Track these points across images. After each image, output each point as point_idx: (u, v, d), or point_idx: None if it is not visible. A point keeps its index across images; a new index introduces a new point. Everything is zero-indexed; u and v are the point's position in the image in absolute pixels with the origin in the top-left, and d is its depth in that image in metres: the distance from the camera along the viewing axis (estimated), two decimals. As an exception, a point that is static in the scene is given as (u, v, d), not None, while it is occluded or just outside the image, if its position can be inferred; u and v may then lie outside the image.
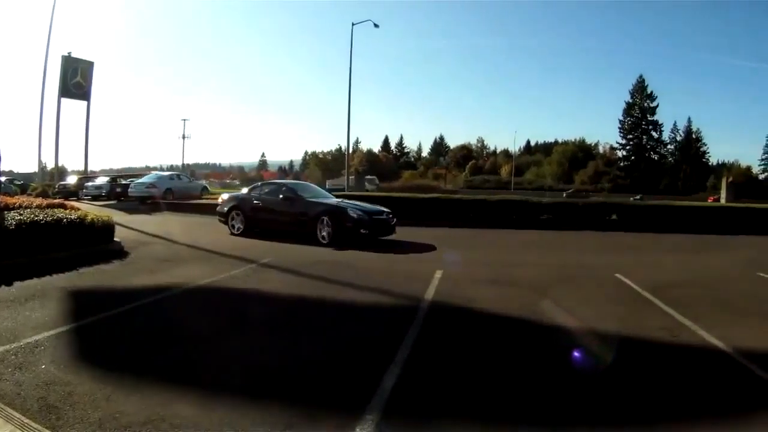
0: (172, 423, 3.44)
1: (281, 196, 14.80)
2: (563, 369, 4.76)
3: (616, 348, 5.21)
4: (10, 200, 11.46)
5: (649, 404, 3.99)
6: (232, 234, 14.84)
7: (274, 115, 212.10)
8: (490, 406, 3.88)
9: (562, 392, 4.20)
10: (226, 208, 15.71)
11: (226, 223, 15.53)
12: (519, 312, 6.74)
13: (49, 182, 35.70)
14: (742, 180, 68.89)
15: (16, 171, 59.52)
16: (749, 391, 4.30)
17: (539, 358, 5.05)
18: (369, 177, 78.02)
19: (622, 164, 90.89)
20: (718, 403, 4.05)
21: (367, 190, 57.46)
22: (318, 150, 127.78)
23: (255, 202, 15.18)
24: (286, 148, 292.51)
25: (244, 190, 17.30)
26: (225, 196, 17.05)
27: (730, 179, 56.81)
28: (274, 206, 14.70)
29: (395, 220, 14.32)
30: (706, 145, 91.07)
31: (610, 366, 4.81)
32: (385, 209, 14.47)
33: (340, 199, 15.40)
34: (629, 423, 3.74)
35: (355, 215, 13.25)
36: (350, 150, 60.04)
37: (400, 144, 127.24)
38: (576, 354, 5.09)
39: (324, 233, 13.20)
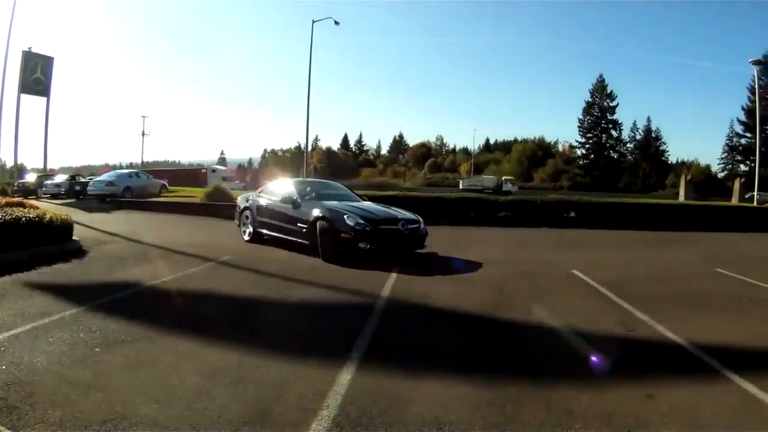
0: (131, 421, 3.48)
1: (280, 196, 12.32)
2: (518, 359, 4.96)
3: (568, 341, 5.45)
4: (-33, 199, 11.19)
5: (600, 387, 4.21)
6: (245, 241, 12.99)
7: (233, 113, 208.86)
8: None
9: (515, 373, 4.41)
10: (239, 209, 13.77)
11: (239, 227, 13.61)
12: (473, 308, 6.88)
13: (8, 180, 34.70)
14: (702, 178, 70.87)
15: (-26, 170, 57.54)
16: (700, 378, 4.57)
17: (493, 351, 5.20)
18: (508, 177, 74.47)
19: (581, 162, 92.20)
20: (670, 389, 4.23)
21: (510, 192, 55.00)
22: (277, 147, 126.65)
23: (261, 202, 12.81)
24: (245, 146, 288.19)
25: (271, 185, 13.98)
26: (257, 196, 13.43)
27: (689, 177, 58.33)
28: (276, 208, 12.14)
29: (423, 229, 11.17)
30: (665, 144, 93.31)
31: (561, 356, 5.05)
32: (405, 216, 11.13)
33: (352, 202, 12.02)
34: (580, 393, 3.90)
35: (352, 223, 10.14)
36: (309, 148, 59.48)
37: (359, 142, 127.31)
38: (530, 345, 5.36)
39: (320, 244, 10.55)
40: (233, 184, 56.97)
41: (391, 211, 11.41)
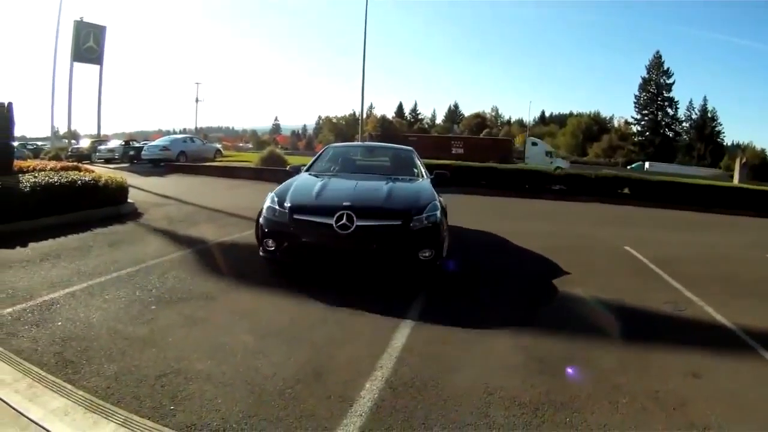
0: (186, 377, 3.52)
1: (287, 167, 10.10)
2: (567, 332, 4.89)
3: (618, 316, 5.40)
4: (23, 164, 11.51)
5: (647, 364, 4.18)
6: None
7: (287, 79, 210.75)
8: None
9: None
10: None
11: None
12: (521, 277, 7.04)
13: (62, 147, 35.75)
14: (756, 162, 67.77)
15: (28, 136, 59.35)
16: (747, 362, 4.47)
17: (534, 320, 5.25)
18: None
19: (636, 139, 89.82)
20: (717, 371, 4.16)
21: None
22: (332, 114, 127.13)
23: None
24: (300, 113, 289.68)
25: None
26: None
27: (744, 160, 55.51)
28: None
29: (416, 228, 6.04)
30: (721, 125, 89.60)
31: (610, 331, 4.97)
32: (367, 201, 6.33)
33: (360, 180, 7.38)
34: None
35: (265, 206, 6.45)
36: (364, 115, 58.55)
37: (414, 110, 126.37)
38: (580, 318, 5.32)
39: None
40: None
41: (361, 190, 6.76)
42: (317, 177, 7.48)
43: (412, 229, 5.98)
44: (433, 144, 48.85)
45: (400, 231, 5.94)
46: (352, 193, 6.49)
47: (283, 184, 7.00)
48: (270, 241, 6.11)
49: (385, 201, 6.35)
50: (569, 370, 3.93)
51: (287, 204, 6.17)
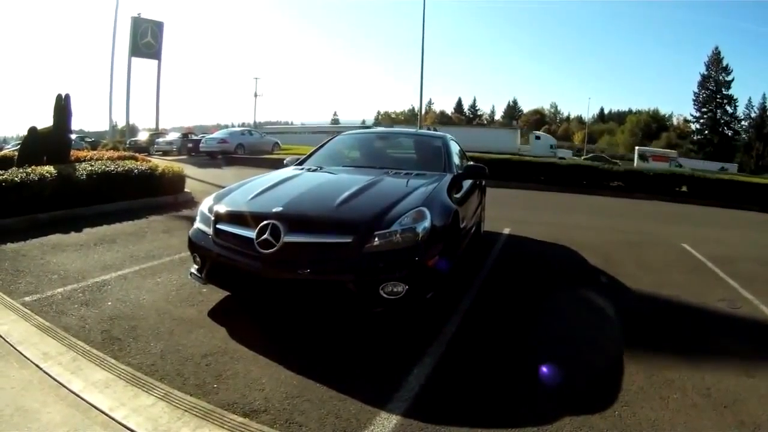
0: (232, 357, 3.56)
1: None
2: (621, 325, 4.86)
3: (672, 312, 5.44)
4: (81, 154, 11.97)
5: (700, 361, 4.09)
6: None
7: (346, 74, 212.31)
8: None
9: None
10: None
11: None
12: (578, 269, 7.07)
13: (119, 139, 37.04)
14: None
15: (86, 129, 61.82)
16: None
17: (591, 314, 5.23)
18: None
19: (695, 138, 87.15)
20: (766, 367, 4.09)
21: None
22: (390, 110, 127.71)
23: None
24: (359, 108, 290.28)
25: None
26: None
27: None
28: None
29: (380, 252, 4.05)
30: None
31: (664, 326, 4.97)
32: (301, 207, 4.42)
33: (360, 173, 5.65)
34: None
35: (198, 215, 4.89)
36: (423, 111, 58.37)
37: (473, 106, 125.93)
38: (634, 313, 5.30)
39: None
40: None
41: (315, 191, 4.92)
42: (298, 172, 5.85)
43: (368, 251, 4.05)
44: None
45: (348, 252, 4.03)
46: (297, 196, 4.68)
47: (244, 180, 5.48)
48: (196, 257, 4.61)
49: (336, 207, 4.38)
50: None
51: (216, 208, 4.59)
